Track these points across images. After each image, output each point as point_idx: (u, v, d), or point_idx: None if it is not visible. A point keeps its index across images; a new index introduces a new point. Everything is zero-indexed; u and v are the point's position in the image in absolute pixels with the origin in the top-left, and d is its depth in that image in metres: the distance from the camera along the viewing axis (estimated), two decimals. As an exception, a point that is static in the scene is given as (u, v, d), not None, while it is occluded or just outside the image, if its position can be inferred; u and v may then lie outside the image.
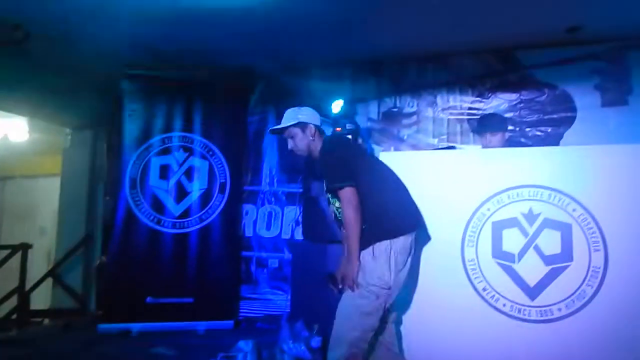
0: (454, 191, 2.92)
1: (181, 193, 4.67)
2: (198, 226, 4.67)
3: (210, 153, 4.76)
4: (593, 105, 4.09)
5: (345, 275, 2.43)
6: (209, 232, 4.68)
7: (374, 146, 4.54)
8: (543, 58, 4.23)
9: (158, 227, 4.56)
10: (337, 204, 2.54)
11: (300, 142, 2.67)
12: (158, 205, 4.60)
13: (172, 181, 4.66)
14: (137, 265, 4.47)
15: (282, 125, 2.70)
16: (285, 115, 2.72)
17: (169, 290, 4.46)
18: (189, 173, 4.70)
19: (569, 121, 4.13)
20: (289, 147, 2.68)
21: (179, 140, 4.71)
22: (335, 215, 2.61)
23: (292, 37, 4.04)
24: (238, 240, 4.85)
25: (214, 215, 4.69)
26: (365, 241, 2.41)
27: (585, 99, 4.11)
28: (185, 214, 4.66)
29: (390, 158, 3.31)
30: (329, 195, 2.61)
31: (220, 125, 4.79)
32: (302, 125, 2.68)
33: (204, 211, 4.69)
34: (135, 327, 4.31)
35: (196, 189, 4.70)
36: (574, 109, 4.13)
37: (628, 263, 2.66)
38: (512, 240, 2.81)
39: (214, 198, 4.71)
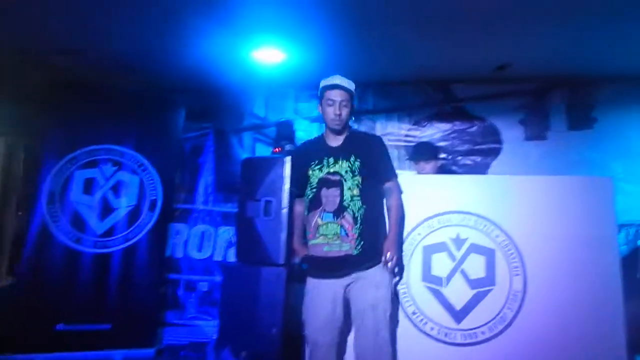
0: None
1: (106, 210, 4.53)
2: (122, 246, 4.54)
3: (142, 168, 4.67)
4: (517, 139, 4.53)
5: (391, 251, 2.67)
6: (134, 252, 4.56)
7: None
8: (475, 92, 4.65)
9: (77, 247, 4.38)
10: (354, 191, 2.66)
11: (348, 114, 2.74)
12: (79, 223, 4.42)
13: (97, 196, 4.51)
14: (49, 288, 4.23)
15: (348, 86, 2.74)
16: (336, 77, 2.76)
17: (84, 316, 4.26)
18: (117, 188, 4.58)
19: (496, 152, 4.54)
20: (335, 113, 2.69)
21: (107, 153, 4.58)
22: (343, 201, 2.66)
23: (231, 57, 4.16)
24: (166, 261, 4.77)
25: (141, 234, 4.59)
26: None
27: (510, 132, 4.55)
28: (109, 232, 4.52)
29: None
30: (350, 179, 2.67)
31: (154, 139, 4.71)
32: (353, 98, 2.78)
33: (130, 230, 4.57)
34: (39, 358, 4.04)
35: (123, 205, 4.58)
36: (500, 141, 4.55)
37: (545, 287, 2.97)
38: (441, 265, 3.04)
39: (142, 216, 4.61)
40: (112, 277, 4.47)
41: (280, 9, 3.34)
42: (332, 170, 2.69)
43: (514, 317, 2.93)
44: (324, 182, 2.69)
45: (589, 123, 4.50)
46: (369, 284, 2.63)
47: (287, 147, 3.97)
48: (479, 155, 4.57)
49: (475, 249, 3.04)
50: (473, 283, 3.00)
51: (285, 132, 4.11)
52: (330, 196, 2.66)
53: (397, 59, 4.12)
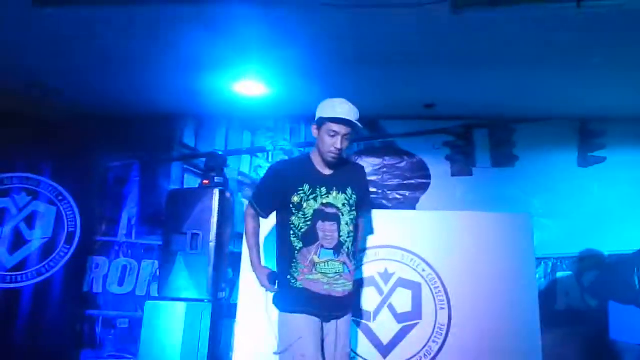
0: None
1: (18, 242, 4.37)
2: (35, 280, 4.37)
3: (60, 198, 4.54)
4: (444, 174, 4.76)
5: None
6: (47, 287, 4.39)
7: (244, 200, 4.71)
8: (404, 128, 4.87)
9: (-19, 282, 4.10)
10: (350, 227, 2.53)
11: (347, 146, 2.56)
12: (-15, 256, 4.16)
13: (8, 228, 4.35)
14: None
15: (354, 119, 2.53)
16: (343, 106, 2.56)
17: (-12, 358, 3.99)
18: (31, 219, 4.43)
19: (425, 187, 4.74)
20: (335, 146, 2.48)
21: (21, 182, 4.44)
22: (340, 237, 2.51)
23: (161, 84, 4.15)
24: (83, 297, 4.57)
25: (56, 268, 4.42)
26: None
27: (437, 168, 4.78)
28: (20, 266, 4.34)
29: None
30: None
31: (74, 168, 4.62)
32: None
33: (44, 263, 4.40)
34: None
35: (37, 237, 4.42)
36: (428, 177, 4.77)
37: (469, 320, 3.12)
38: (369, 299, 3.14)
39: (58, 248, 4.46)
40: (22, 314, 4.28)
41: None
42: (325, 201, 2.48)
43: (439, 350, 3.05)
44: (320, 215, 2.46)
45: (511, 161, 4.80)
46: (346, 324, 2.53)
47: (217, 179, 3.98)
48: (408, 190, 4.76)
49: (403, 283, 3.16)
50: (400, 317, 3.10)
51: (215, 164, 4.11)
52: (327, 231, 2.46)
53: (328, 95, 4.24)
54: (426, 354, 3.04)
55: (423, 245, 3.24)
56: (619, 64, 3.57)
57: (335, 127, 2.46)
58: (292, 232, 2.48)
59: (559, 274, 4.53)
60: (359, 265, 3.11)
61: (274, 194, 2.54)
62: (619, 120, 4.70)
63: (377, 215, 3.50)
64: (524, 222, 3.37)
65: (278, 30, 3.21)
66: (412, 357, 3.04)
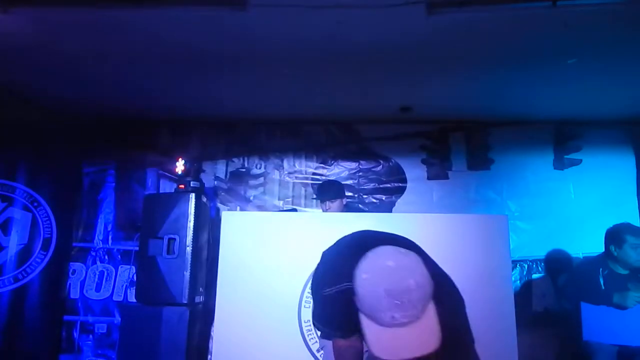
0: (294, 253, 3.15)
1: (-7, 248, 4.32)
2: (11, 287, 4.32)
3: (35, 204, 4.51)
4: (420, 178, 4.78)
5: None
6: (24, 293, 4.35)
7: (220, 205, 4.65)
8: (380, 132, 4.87)
9: (-42, 289, 4.13)
10: None
11: None
12: (-39, 263, 4.19)
13: (-17, 235, 4.31)
14: None
15: None
16: None
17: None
18: (6, 226, 4.40)
19: (401, 191, 4.75)
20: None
21: None
22: None
23: (139, 89, 4.06)
24: (61, 302, 4.53)
25: (32, 274, 4.39)
26: None
27: (413, 171, 4.80)
28: None
29: (235, 218, 3.49)
30: None
31: (49, 174, 4.58)
32: None
33: (20, 269, 4.38)
34: None
35: (13, 244, 4.38)
36: (404, 180, 4.77)
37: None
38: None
39: (34, 255, 4.42)
40: None
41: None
42: None
43: (414, 352, 2.97)
44: None
45: (487, 164, 4.82)
46: None
47: (193, 184, 3.91)
48: (384, 194, 4.76)
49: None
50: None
51: (190, 168, 4.04)
52: None
53: (303, 98, 4.20)
54: None
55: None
56: (594, 66, 3.57)
57: None
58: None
59: (535, 276, 4.52)
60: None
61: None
62: (595, 123, 4.74)
63: (353, 218, 3.45)
64: (500, 224, 3.35)
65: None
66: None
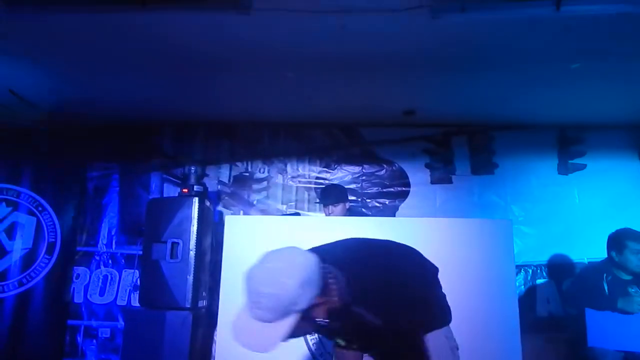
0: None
1: (-1, 252, 4.33)
2: (16, 291, 4.34)
3: (40, 209, 4.53)
4: (423, 182, 4.77)
5: None
6: (29, 297, 4.36)
7: (223, 209, 4.66)
8: (383, 136, 4.87)
9: (-36, 293, 4.16)
10: None
11: None
12: (-34, 267, 4.22)
13: (-12, 239, 4.34)
14: None
15: None
16: None
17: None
18: (11, 230, 4.41)
19: (404, 195, 4.73)
20: None
21: (1, 193, 4.43)
22: None
23: (143, 93, 4.08)
24: (65, 307, 4.54)
25: (37, 279, 4.41)
26: None
27: (417, 175, 4.79)
28: (2, 276, 4.32)
29: (238, 222, 3.50)
30: None
31: (53, 179, 4.59)
32: None
33: (25, 274, 4.39)
34: None
35: (18, 248, 4.40)
36: (408, 184, 4.77)
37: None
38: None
39: (39, 259, 4.44)
40: (3, 325, 4.25)
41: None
42: None
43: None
44: None
45: (491, 168, 4.81)
46: None
47: (196, 188, 3.92)
48: (387, 198, 4.75)
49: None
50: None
51: (193, 172, 4.05)
52: None
53: (307, 101, 4.21)
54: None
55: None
56: (598, 70, 3.57)
57: None
58: None
59: (539, 281, 4.50)
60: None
61: None
62: (599, 128, 4.73)
63: (356, 222, 3.45)
64: (504, 228, 3.35)
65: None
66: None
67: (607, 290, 3.44)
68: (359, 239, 2.08)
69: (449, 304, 2.12)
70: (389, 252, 2.05)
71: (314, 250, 1.82)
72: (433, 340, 1.91)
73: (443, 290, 2.13)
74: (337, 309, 1.68)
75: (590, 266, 4.08)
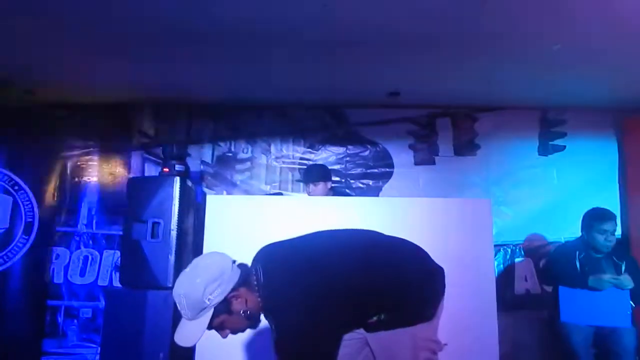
0: (280, 236, 3.13)
1: (-27, 233, 4.26)
2: None
3: (16, 188, 4.43)
4: (407, 163, 4.80)
5: None
6: (6, 278, 4.31)
7: (206, 190, 4.64)
8: (367, 117, 4.88)
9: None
10: None
11: None
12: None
13: (-38, 219, 4.24)
14: None
15: None
16: None
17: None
18: None
19: (388, 176, 4.78)
20: None
21: None
22: None
23: (122, 70, 4.01)
24: (44, 287, 4.51)
25: (14, 259, 4.35)
26: None
27: (401, 156, 4.82)
28: None
29: (220, 201, 3.49)
30: None
31: (31, 157, 4.51)
32: None
33: (2, 254, 4.32)
34: None
35: None
36: (391, 165, 4.80)
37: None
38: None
39: (16, 239, 4.38)
40: None
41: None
42: None
43: None
44: None
45: (473, 149, 4.83)
46: None
47: (178, 167, 3.89)
48: (371, 179, 4.79)
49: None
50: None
51: (175, 152, 4.02)
52: None
53: (292, 82, 4.19)
54: None
55: (383, 231, 3.19)
56: (579, 52, 3.59)
57: None
58: None
59: (517, 260, 4.59)
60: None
61: None
62: (579, 109, 4.80)
63: (339, 202, 3.46)
64: (483, 208, 3.37)
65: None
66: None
67: (579, 268, 3.54)
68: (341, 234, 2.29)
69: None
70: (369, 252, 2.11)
71: (290, 241, 2.12)
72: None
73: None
74: (257, 303, 1.86)
75: (564, 245, 4.17)
